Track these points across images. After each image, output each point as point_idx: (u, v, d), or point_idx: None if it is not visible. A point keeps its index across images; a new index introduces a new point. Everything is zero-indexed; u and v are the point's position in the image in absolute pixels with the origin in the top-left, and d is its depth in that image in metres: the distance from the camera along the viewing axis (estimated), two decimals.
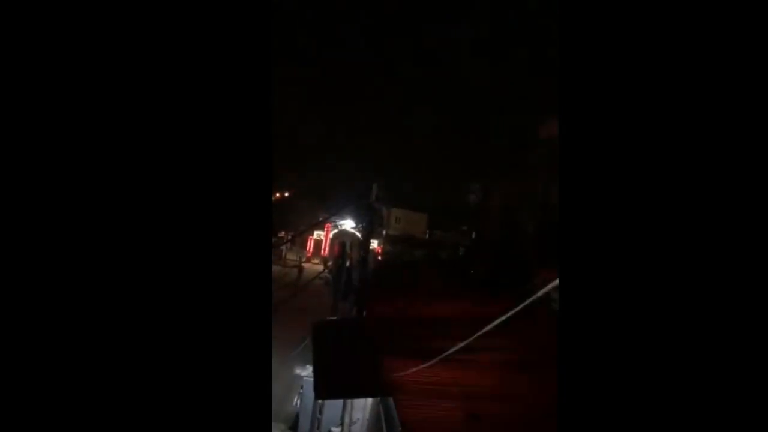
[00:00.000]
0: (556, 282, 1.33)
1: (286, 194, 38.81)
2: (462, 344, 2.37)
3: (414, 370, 3.44)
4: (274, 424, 9.75)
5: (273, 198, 38.02)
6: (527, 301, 1.70)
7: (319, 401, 8.99)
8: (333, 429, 9.30)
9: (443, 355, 2.76)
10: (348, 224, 29.23)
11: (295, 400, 9.83)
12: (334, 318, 9.69)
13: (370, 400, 8.21)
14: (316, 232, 34.93)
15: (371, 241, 9.36)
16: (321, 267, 22.89)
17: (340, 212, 24.82)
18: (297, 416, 9.64)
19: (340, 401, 9.06)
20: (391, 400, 4.91)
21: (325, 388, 4.67)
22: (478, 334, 2.13)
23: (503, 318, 1.88)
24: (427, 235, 35.84)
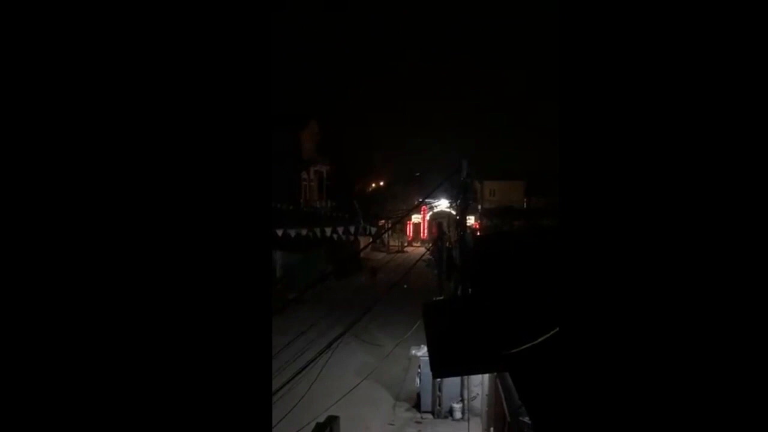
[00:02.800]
0: None
1: (381, 183, 39.59)
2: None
3: (528, 345, 3.43)
4: (398, 403, 10.20)
5: (369, 188, 39.03)
6: None
7: (438, 379, 9.21)
8: (454, 405, 9.49)
9: (554, 332, 2.74)
10: (443, 204, 29.13)
11: (416, 379, 10.15)
12: (441, 298, 9.83)
13: (487, 375, 8.25)
14: (414, 216, 35.26)
15: (467, 217, 9.30)
16: (423, 249, 23.10)
17: (434, 193, 24.79)
18: (418, 395, 9.95)
19: (458, 378, 9.22)
20: (507, 374, 4.90)
21: (440, 367, 4.78)
22: None
23: None
24: (525, 204, 34.54)
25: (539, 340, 3.22)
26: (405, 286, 9.26)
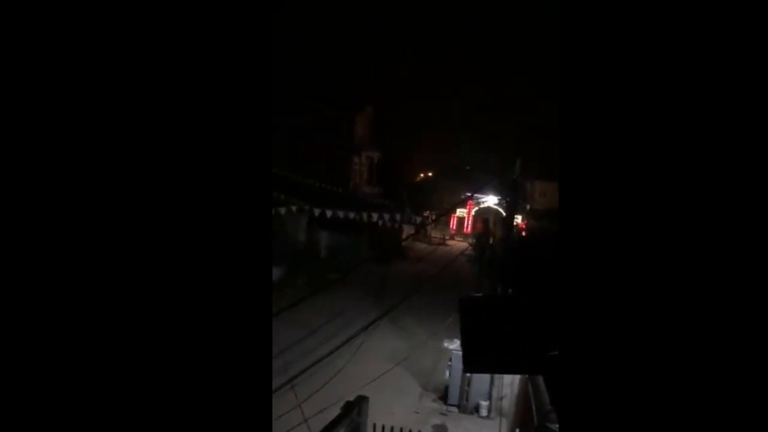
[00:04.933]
0: None
1: (429, 174, 39.40)
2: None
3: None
4: (424, 393, 10.31)
5: (417, 178, 38.93)
6: None
7: (467, 375, 9.22)
8: (481, 402, 9.49)
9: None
10: (491, 201, 28.71)
11: (446, 372, 10.20)
12: (480, 293, 9.79)
13: (518, 377, 8.19)
14: (459, 210, 34.95)
15: (515, 216, 9.18)
16: (464, 244, 22.92)
17: (482, 189, 24.45)
18: (446, 388, 10.01)
19: (488, 376, 9.19)
20: (540, 378, 4.85)
21: (472, 362, 4.75)
22: None
23: None
24: None
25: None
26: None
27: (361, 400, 5.95)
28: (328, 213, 16.55)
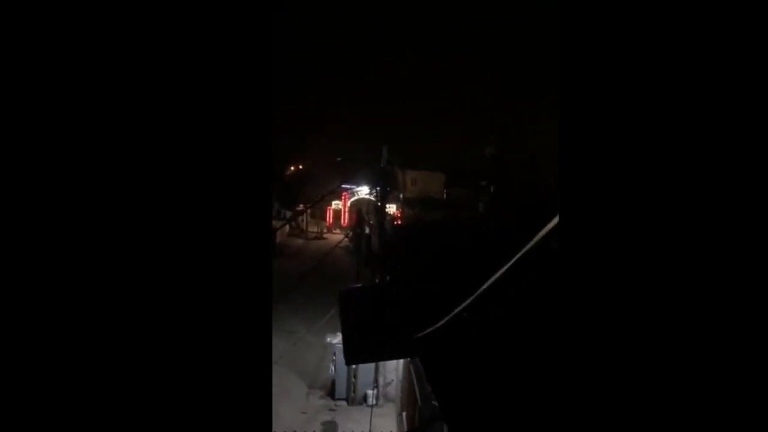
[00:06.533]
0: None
1: (300, 167, 38.84)
2: (470, 299, 2.36)
3: (431, 329, 3.46)
4: (311, 391, 10.10)
5: (287, 171, 38.07)
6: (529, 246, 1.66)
7: (352, 366, 9.21)
8: (368, 391, 9.56)
9: (454, 312, 2.75)
10: (364, 191, 29.18)
11: (331, 367, 10.09)
12: (359, 284, 9.81)
13: (401, 361, 8.37)
14: (334, 202, 35.01)
15: (389, 205, 9.32)
16: (341, 236, 23.06)
17: (354, 179, 24.75)
18: (333, 382, 9.91)
19: (373, 365, 9.29)
20: (418, 359, 4.96)
21: (353, 354, 4.74)
22: (483, 287, 2.11)
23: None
24: (445, 195, 35.65)
25: (440, 323, 3.25)
26: None
27: None
28: None
